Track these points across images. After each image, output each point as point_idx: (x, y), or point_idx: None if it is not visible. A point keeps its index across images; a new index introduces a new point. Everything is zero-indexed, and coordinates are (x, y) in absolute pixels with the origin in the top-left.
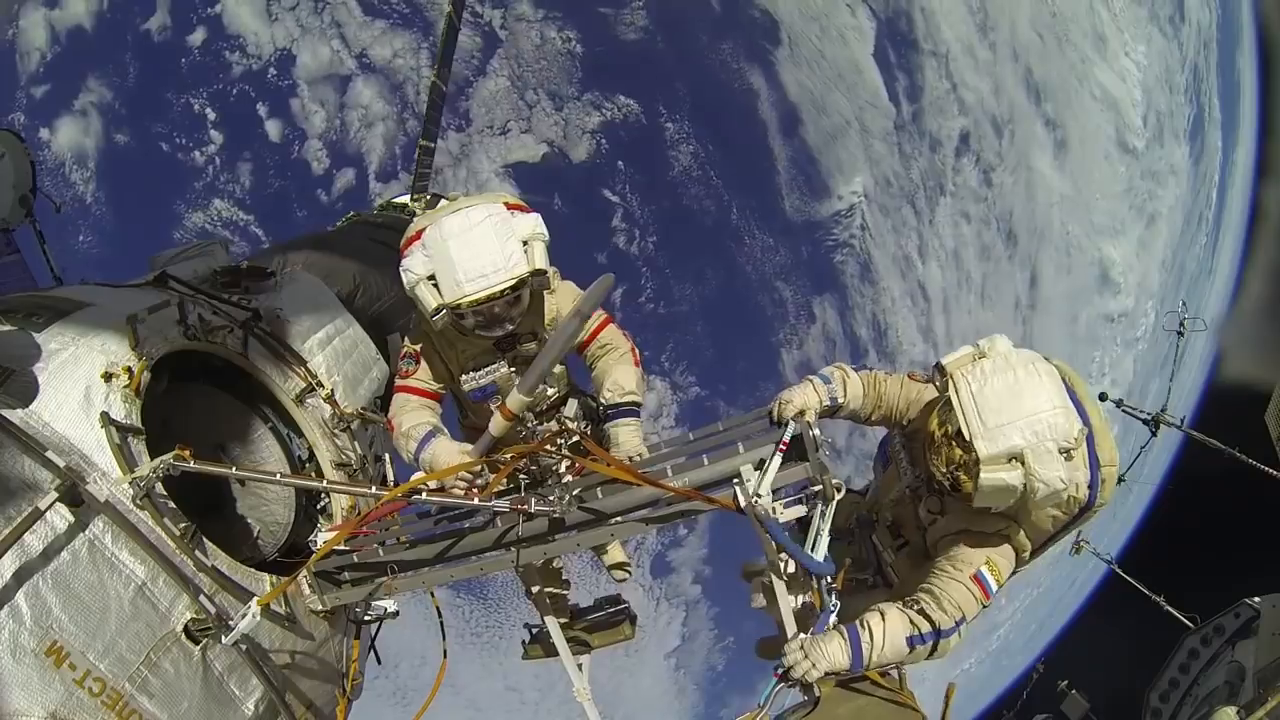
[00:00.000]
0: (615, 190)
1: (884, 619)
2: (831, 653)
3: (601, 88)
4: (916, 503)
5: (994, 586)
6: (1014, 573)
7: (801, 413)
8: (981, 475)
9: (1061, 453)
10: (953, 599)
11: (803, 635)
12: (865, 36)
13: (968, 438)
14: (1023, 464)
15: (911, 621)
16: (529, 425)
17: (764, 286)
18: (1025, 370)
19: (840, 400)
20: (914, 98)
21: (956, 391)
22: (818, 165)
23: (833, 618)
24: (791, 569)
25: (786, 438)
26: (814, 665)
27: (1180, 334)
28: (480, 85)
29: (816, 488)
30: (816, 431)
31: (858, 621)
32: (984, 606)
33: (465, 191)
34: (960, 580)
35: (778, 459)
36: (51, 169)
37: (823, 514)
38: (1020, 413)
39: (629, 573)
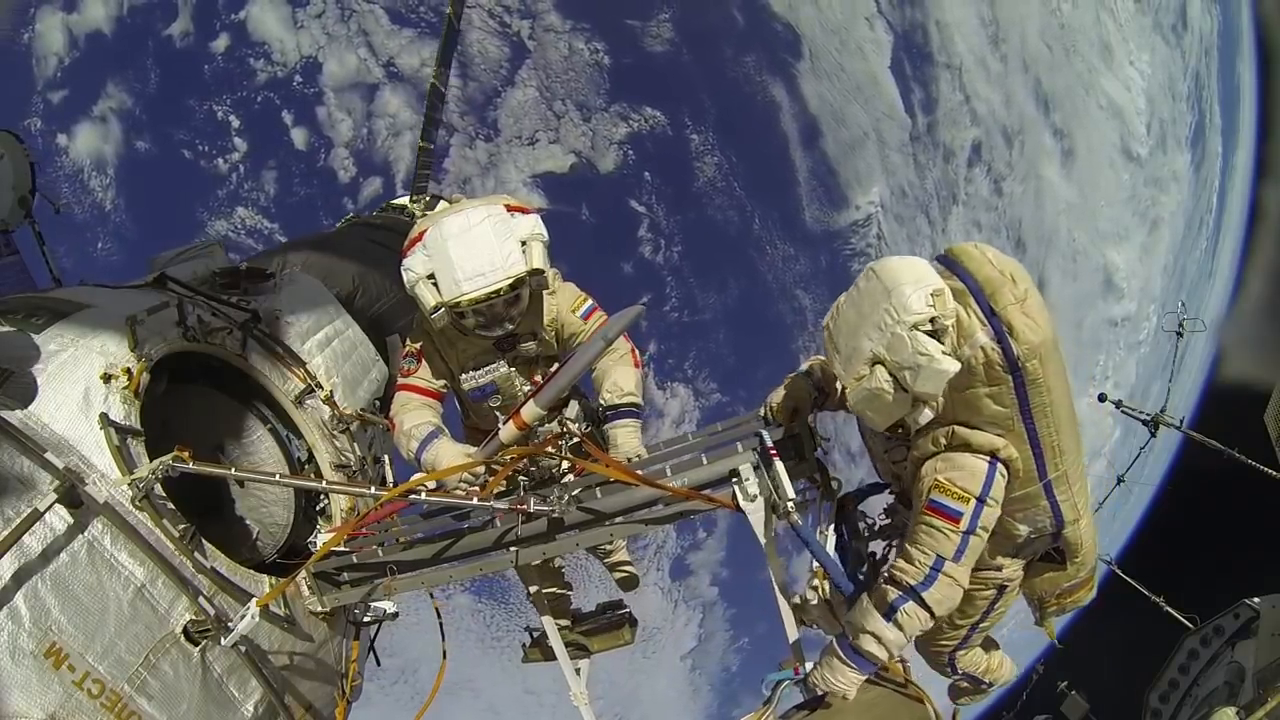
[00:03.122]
0: (642, 200)
1: (859, 617)
2: (849, 679)
3: (629, 99)
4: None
5: (955, 507)
6: (1014, 478)
7: (796, 410)
8: (849, 396)
9: (920, 328)
10: (919, 544)
11: (816, 667)
12: (883, 50)
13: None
14: (881, 362)
15: (880, 600)
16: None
17: (784, 295)
18: (865, 280)
19: (825, 389)
20: (929, 109)
21: (826, 341)
22: (836, 176)
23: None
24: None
25: (769, 442)
26: (845, 691)
27: (1180, 334)
28: (509, 95)
29: (815, 486)
30: (812, 430)
31: (845, 632)
32: (966, 532)
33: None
34: (919, 519)
35: (779, 465)
36: (69, 175)
37: (827, 514)
38: (861, 320)
39: (629, 572)
